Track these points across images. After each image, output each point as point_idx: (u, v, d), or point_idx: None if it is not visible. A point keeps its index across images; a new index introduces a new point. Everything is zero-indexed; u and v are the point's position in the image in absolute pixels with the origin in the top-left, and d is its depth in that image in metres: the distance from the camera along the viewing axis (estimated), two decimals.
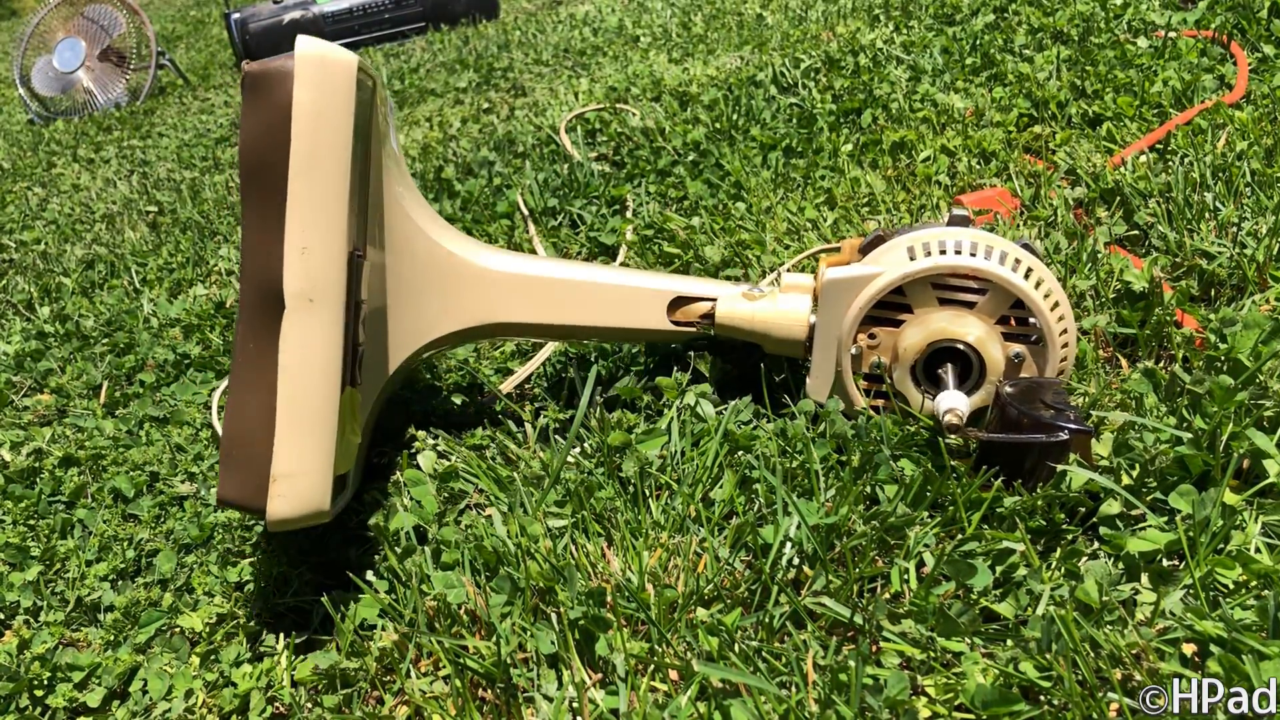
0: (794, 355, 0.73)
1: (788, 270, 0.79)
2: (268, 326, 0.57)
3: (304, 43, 0.58)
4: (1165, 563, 0.54)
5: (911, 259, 0.65)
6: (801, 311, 0.70)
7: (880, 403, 0.68)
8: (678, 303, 0.74)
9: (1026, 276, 0.64)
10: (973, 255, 0.64)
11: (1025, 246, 0.69)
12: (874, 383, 0.68)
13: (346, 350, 0.60)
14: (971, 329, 0.64)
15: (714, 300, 0.74)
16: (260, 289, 0.57)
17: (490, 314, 0.74)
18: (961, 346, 0.64)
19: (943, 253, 0.65)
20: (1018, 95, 1.28)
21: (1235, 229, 0.86)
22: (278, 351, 0.56)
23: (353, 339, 0.61)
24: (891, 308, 0.66)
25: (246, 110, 0.57)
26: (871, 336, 0.67)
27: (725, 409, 0.71)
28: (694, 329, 0.75)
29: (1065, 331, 0.65)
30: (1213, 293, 0.81)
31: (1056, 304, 0.64)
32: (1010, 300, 0.64)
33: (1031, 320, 0.64)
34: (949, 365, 0.65)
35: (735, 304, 0.72)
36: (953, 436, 0.62)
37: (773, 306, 0.71)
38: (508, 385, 0.87)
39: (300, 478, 0.56)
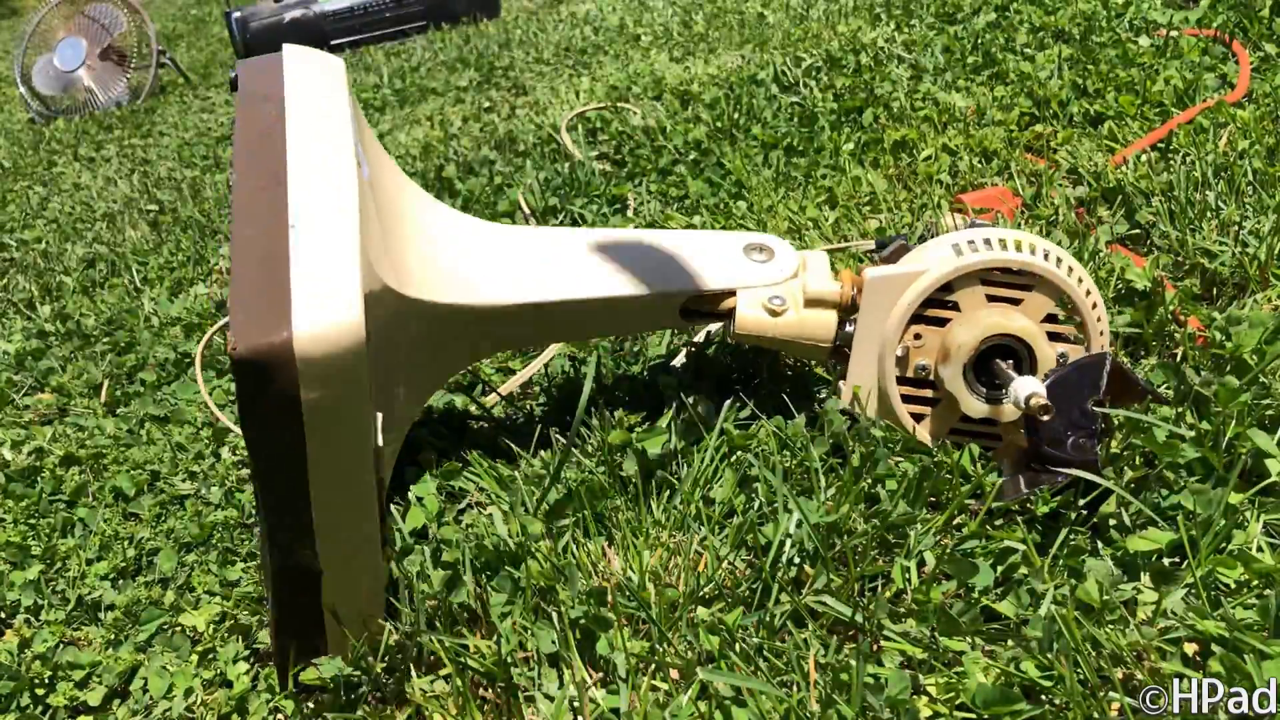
0: (815, 358, 0.71)
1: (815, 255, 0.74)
2: None
3: (301, 321, 0.48)
4: (1166, 562, 0.53)
5: (959, 255, 0.64)
6: (829, 324, 0.68)
7: (921, 409, 0.66)
8: (694, 298, 0.70)
9: (1069, 274, 0.63)
10: (1019, 251, 0.63)
11: None
12: (916, 387, 0.66)
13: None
14: (1026, 324, 0.63)
15: (733, 296, 0.70)
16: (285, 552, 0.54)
17: (502, 343, 0.72)
18: (1014, 343, 0.63)
19: (990, 248, 0.64)
20: (1019, 94, 1.28)
21: (1237, 228, 0.86)
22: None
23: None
24: (939, 306, 0.64)
25: (244, 399, 0.49)
26: (917, 337, 0.65)
27: (725, 408, 0.71)
28: (709, 321, 0.72)
29: (1104, 334, 0.64)
30: (1215, 291, 0.81)
31: (1096, 304, 0.64)
32: (1057, 297, 0.63)
33: (1073, 320, 0.64)
34: (1008, 360, 0.63)
35: (759, 315, 0.68)
36: (1045, 417, 0.59)
37: (797, 319, 0.68)
38: (509, 386, 0.86)
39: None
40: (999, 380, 0.63)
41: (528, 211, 1.29)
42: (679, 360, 0.83)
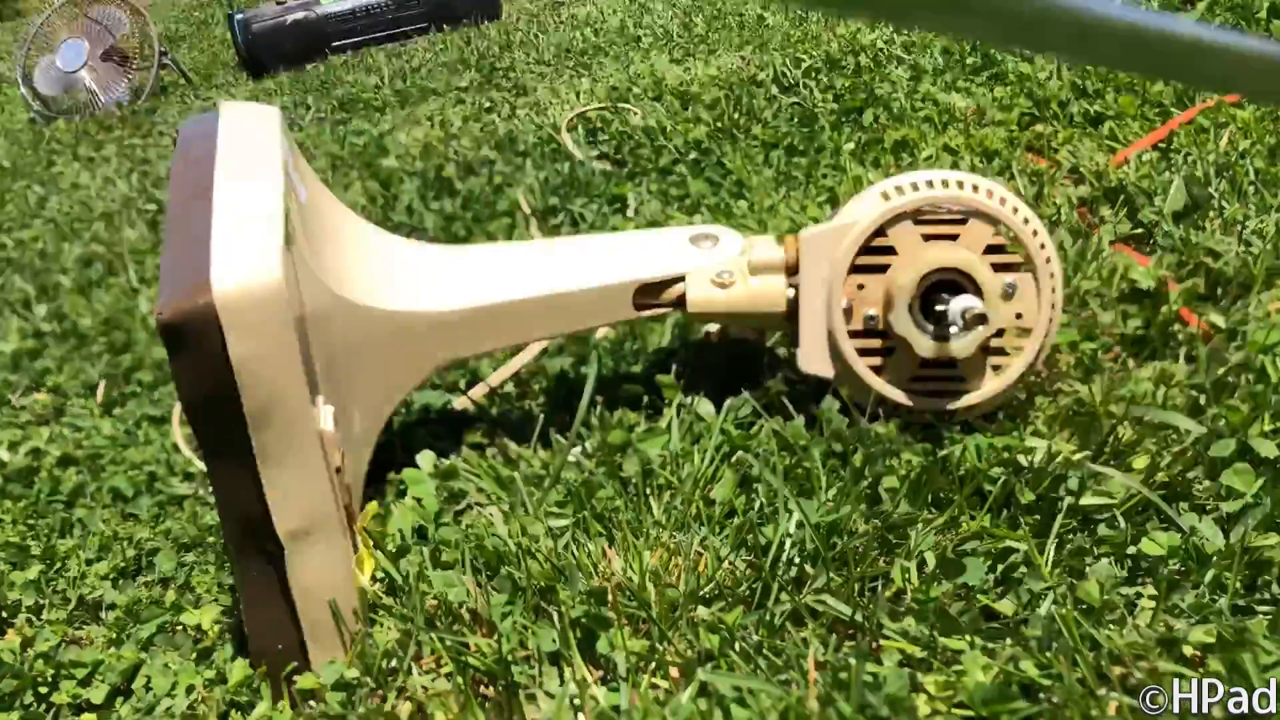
0: (774, 329, 0.72)
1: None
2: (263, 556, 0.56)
3: (220, 278, 0.51)
4: (1172, 566, 0.53)
5: (887, 200, 0.65)
6: (778, 287, 0.68)
7: (877, 361, 0.67)
8: (645, 289, 0.71)
9: (1002, 204, 0.64)
10: (946, 189, 0.64)
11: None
12: (868, 339, 0.67)
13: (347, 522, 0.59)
14: (964, 255, 0.63)
15: (683, 281, 0.70)
16: (244, 524, 0.55)
17: (453, 352, 0.71)
18: (956, 277, 0.63)
19: (917, 189, 0.64)
20: (1019, 95, 1.28)
21: (1240, 227, 0.86)
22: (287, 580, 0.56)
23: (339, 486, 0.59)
24: (877, 252, 0.65)
25: (176, 365, 0.52)
26: (860, 287, 0.66)
27: (725, 407, 0.71)
28: (664, 310, 0.72)
29: (1050, 260, 0.64)
30: (1219, 291, 0.81)
31: (1037, 231, 0.64)
32: (993, 228, 0.64)
33: (1017, 248, 0.64)
34: (946, 298, 0.64)
35: (708, 291, 0.69)
36: (979, 329, 0.61)
37: (746, 289, 0.69)
38: (497, 378, 0.86)
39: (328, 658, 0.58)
40: (949, 319, 0.63)
41: (527, 211, 1.29)
42: (678, 361, 0.83)
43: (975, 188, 0.64)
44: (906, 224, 0.64)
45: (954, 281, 0.64)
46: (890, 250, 0.65)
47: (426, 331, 0.68)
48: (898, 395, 0.67)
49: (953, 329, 0.63)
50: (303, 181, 0.66)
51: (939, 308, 0.64)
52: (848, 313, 0.66)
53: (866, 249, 0.65)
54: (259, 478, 0.53)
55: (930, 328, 0.64)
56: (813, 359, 0.68)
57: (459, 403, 0.85)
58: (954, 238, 0.64)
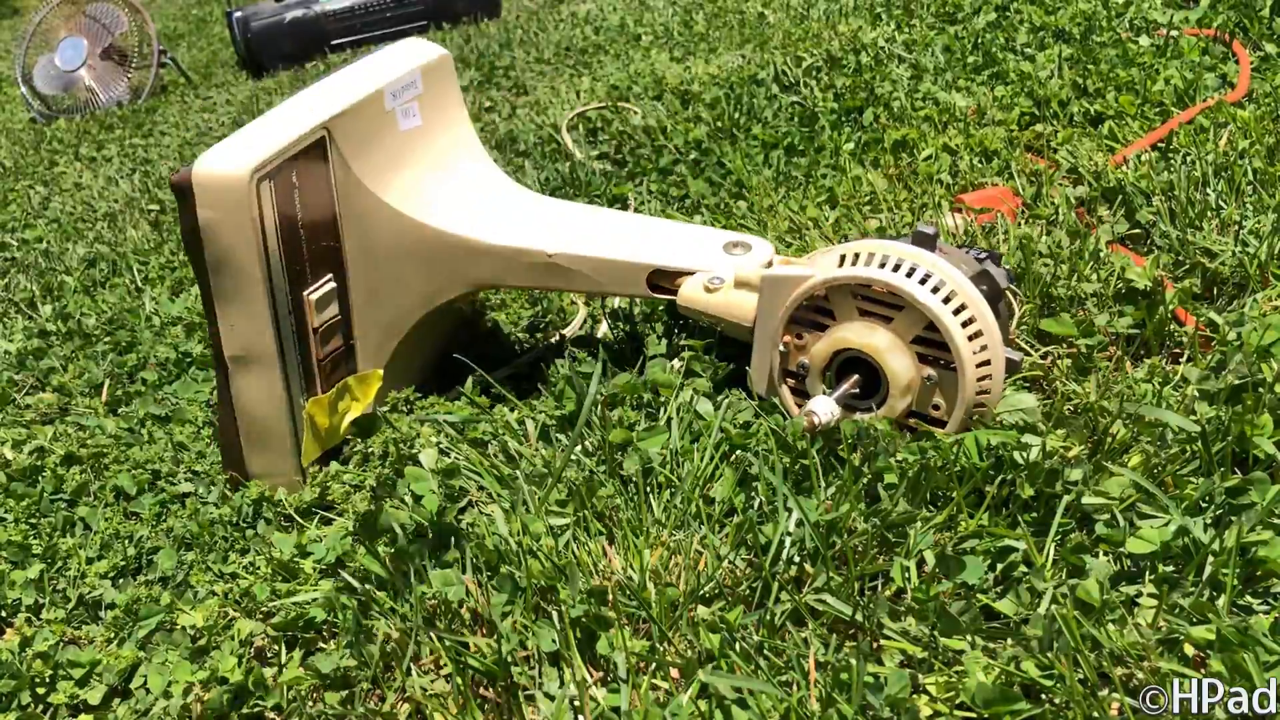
0: (745, 339, 0.74)
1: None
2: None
3: (201, 163, 0.72)
4: (1168, 562, 0.53)
5: (839, 266, 0.66)
6: (748, 306, 0.72)
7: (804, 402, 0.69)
8: (658, 274, 0.78)
9: (947, 300, 0.62)
10: (894, 271, 0.64)
11: (992, 258, 0.68)
12: (799, 380, 0.70)
13: (293, 377, 0.78)
14: (878, 342, 0.64)
15: (688, 276, 0.77)
16: (214, 341, 0.77)
17: (480, 278, 0.84)
18: (864, 358, 0.65)
19: (867, 264, 0.65)
20: (1020, 94, 1.28)
21: (1237, 227, 0.86)
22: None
23: (305, 359, 0.79)
24: (818, 312, 0.68)
25: (180, 214, 0.74)
26: (799, 337, 0.69)
27: (723, 405, 0.71)
28: (672, 297, 0.79)
29: (985, 363, 0.63)
30: (1215, 290, 0.81)
31: (979, 333, 0.63)
32: (924, 321, 0.63)
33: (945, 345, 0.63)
34: (852, 375, 0.66)
35: (696, 291, 0.75)
36: (802, 432, 0.64)
37: (724, 299, 0.74)
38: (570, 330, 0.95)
39: (268, 475, 0.80)
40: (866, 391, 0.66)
41: None
42: (679, 359, 0.83)
43: (926, 277, 0.63)
44: (846, 294, 0.66)
45: (869, 365, 0.65)
46: (830, 314, 0.67)
47: (462, 254, 0.81)
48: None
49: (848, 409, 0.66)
50: (420, 111, 0.84)
51: (843, 377, 0.67)
52: (785, 356, 0.70)
53: (808, 306, 0.68)
54: (215, 309, 0.75)
55: (841, 392, 0.66)
56: (758, 379, 0.72)
57: (463, 403, 0.85)
58: (889, 319, 0.65)
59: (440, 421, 0.78)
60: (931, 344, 0.64)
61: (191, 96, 3.12)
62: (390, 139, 0.81)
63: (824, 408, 0.63)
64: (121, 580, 0.73)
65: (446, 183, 0.85)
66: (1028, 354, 0.76)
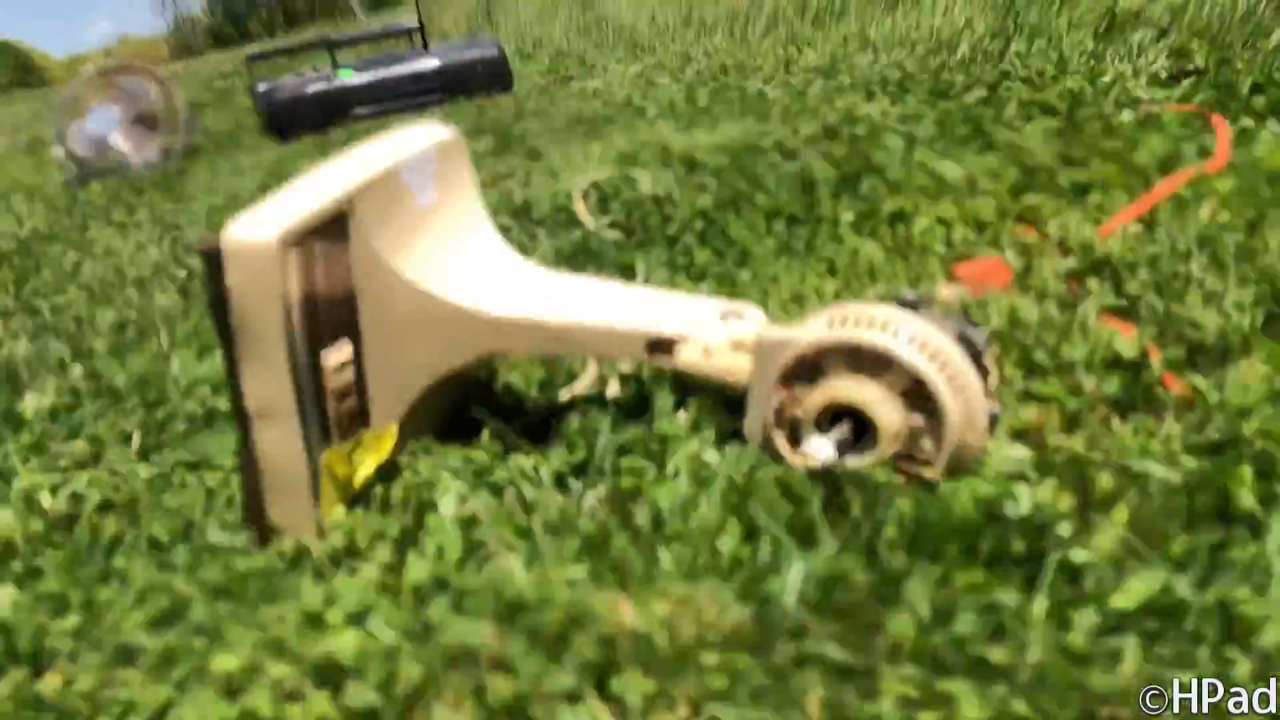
0: (741, 394, 0.80)
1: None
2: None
3: (231, 230, 0.76)
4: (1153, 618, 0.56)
5: (829, 328, 0.74)
6: (743, 367, 0.79)
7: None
8: (658, 342, 0.82)
9: (931, 359, 0.71)
10: (880, 333, 0.72)
11: (969, 322, 0.76)
12: (793, 430, 0.76)
13: (312, 431, 0.81)
14: (868, 395, 0.71)
15: (686, 341, 0.81)
16: (235, 394, 0.82)
17: (488, 347, 0.88)
18: (856, 410, 0.72)
19: (854, 327, 0.73)
20: (1008, 164, 1.34)
21: (1219, 299, 0.90)
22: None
23: (322, 415, 0.82)
24: (810, 368, 0.74)
25: (208, 278, 0.78)
26: (792, 391, 0.75)
27: (728, 456, 0.76)
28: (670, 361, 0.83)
29: (967, 412, 0.71)
30: (1197, 360, 0.85)
31: (964, 387, 0.71)
32: (910, 376, 0.71)
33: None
34: (844, 423, 0.73)
35: (693, 355, 0.81)
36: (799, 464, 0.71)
37: (722, 361, 0.79)
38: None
39: (289, 526, 0.84)
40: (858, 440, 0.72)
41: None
42: (685, 411, 0.87)
43: (912, 338, 0.71)
44: (837, 354, 0.73)
45: (860, 416, 0.72)
46: (821, 370, 0.74)
47: (471, 324, 0.85)
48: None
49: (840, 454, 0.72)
50: (435, 188, 0.90)
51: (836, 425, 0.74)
52: (779, 412, 0.75)
53: (801, 364, 0.74)
54: (239, 369, 0.79)
55: (834, 436, 0.73)
56: (753, 431, 0.78)
57: (483, 452, 0.89)
58: (876, 375, 0.72)
59: (458, 469, 0.82)
60: (917, 396, 0.71)
61: (220, 161, 3.23)
62: (406, 214, 0.86)
63: (820, 449, 0.71)
64: (157, 630, 0.76)
65: (457, 255, 0.90)
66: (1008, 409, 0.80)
